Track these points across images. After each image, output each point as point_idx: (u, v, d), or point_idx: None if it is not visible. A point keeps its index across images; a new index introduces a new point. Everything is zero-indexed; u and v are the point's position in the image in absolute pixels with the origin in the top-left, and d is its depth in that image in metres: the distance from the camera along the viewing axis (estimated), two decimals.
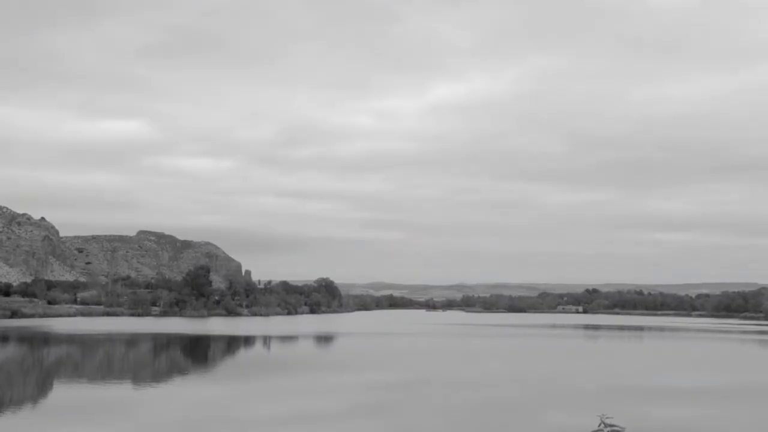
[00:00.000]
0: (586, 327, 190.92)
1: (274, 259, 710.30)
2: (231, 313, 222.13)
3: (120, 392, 49.45)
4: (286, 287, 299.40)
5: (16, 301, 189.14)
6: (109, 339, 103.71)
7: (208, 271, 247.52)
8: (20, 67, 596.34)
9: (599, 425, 12.81)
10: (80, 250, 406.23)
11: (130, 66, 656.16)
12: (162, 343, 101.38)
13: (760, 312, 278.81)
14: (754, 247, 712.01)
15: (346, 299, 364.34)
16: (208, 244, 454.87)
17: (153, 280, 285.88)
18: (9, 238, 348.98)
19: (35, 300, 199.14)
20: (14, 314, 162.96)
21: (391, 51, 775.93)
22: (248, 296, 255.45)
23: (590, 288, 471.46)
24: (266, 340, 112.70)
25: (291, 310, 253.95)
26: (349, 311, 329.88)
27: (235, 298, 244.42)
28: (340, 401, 44.55)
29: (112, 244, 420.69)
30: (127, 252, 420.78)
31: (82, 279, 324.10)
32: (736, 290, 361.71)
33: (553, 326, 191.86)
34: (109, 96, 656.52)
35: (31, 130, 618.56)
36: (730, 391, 53.31)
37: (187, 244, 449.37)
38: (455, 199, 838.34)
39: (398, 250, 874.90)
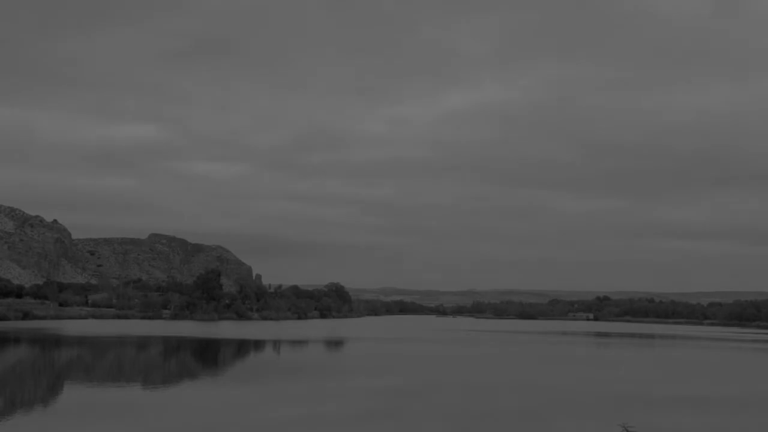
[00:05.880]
0: (597, 334, 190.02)
1: (284, 264, 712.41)
2: (241, 316, 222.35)
3: (130, 395, 49.44)
4: (297, 292, 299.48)
5: (27, 302, 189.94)
6: (120, 342, 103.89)
7: (219, 275, 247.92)
8: (37, 72, 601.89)
9: None
10: (92, 253, 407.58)
11: (145, 71, 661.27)
12: (172, 346, 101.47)
13: None
14: (766, 257, 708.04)
15: (356, 304, 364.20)
16: (219, 247, 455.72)
17: (164, 284, 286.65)
18: (21, 240, 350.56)
19: (47, 302, 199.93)
20: (26, 316, 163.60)
21: (405, 58, 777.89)
22: (259, 300, 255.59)
23: (601, 295, 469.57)
24: (276, 344, 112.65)
25: (301, 315, 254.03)
26: (359, 316, 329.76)
27: (246, 302, 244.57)
28: (349, 406, 44.41)
29: (124, 246, 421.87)
30: (138, 255, 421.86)
31: (94, 281, 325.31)
32: (748, 299, 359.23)
33: (564, 333, 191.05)
34: (124, 100, 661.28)
35: (47, 133, 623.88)
36: (745, 401, 52.81)
37: (198, 248, 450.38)
38: (466, 205, 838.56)
39: (409, 256, 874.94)
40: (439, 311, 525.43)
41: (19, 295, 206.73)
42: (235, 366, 78.61)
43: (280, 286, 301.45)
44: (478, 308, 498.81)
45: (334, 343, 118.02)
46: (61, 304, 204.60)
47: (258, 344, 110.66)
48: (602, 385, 60.14)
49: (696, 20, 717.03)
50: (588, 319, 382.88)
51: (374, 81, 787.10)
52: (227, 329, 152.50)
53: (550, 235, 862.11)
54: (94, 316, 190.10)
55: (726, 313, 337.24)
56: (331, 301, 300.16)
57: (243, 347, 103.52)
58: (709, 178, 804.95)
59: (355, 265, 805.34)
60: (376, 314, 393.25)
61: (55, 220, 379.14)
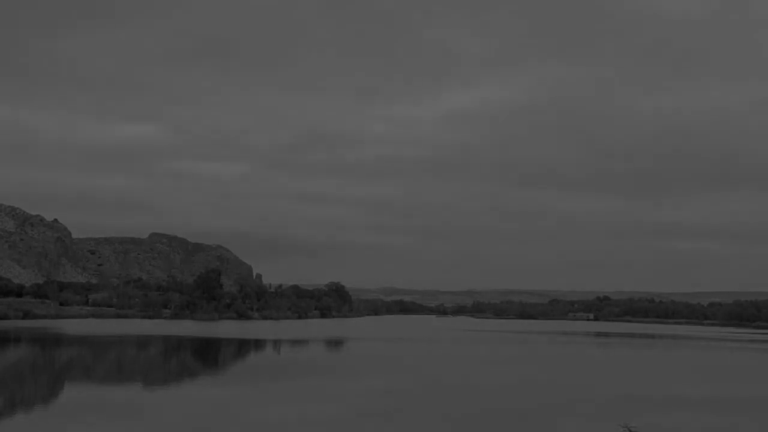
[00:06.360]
0: (597, 334, 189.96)
1: (285, 263, 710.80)
2: (242, 316, 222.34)
3: (130, 394, 49.47)
4: (297, 291, 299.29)
5: (28, 302, 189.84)
6: (120, 341, 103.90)
7: (219, 275, 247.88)
8: (38, 71, 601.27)
9: None
10: (92, 252, 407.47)
11: (145, 70, 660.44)
12: (173, 345, 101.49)
13: None
14: (766, 257, 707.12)
15: (356, 304, 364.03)
16: (219, 247, 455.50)
17: (164, 283, 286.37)
18: (22, 239, 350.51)
19: (47, 301, 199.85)
20: (26, 315, 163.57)
21: (405, 58, 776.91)
22: (259, 300, 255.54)
23: (601, 295, 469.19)
24: (276, 344, 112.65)
25: (302, 314, 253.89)
26: (359, 316, 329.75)
27: (246, 301, 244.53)
28: (349, 406, 44.41)
29: (124, 246, 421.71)
30: (138, 254, 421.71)
31: (94, 281, 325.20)
32: (748, 299, 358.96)
33: (564, 333, 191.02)
34: (125, 100, 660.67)
35: (47, 133, 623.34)
36: (746, 401, 52.79)
37: (198, 247, 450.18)
38: (466, 205, 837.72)
39: (409, 256, 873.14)
40: (439, 311, 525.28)
41: (19, 295, 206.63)
42: (236, 366, 78.64)
43: (280, 286, 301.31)
44: (478, 308, 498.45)
45: (335, 343, 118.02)
46: (61, 304, 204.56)
47: (258, 344, 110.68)
48: (603, 385, 60.12)
49: (696, 20, 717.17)
50: (588, 319, 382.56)
51: (374, 81, 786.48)
52: (227, 329, 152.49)
53: (550, 234, 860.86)
54: (94, 316, 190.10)
55: (726, 313, 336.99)
56: (332, 301, 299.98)
57: (243, 347, 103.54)
58: (709, 178, 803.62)
59: (355, 265, 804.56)
60: (376, 314, 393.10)
61: (55, 220, 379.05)
